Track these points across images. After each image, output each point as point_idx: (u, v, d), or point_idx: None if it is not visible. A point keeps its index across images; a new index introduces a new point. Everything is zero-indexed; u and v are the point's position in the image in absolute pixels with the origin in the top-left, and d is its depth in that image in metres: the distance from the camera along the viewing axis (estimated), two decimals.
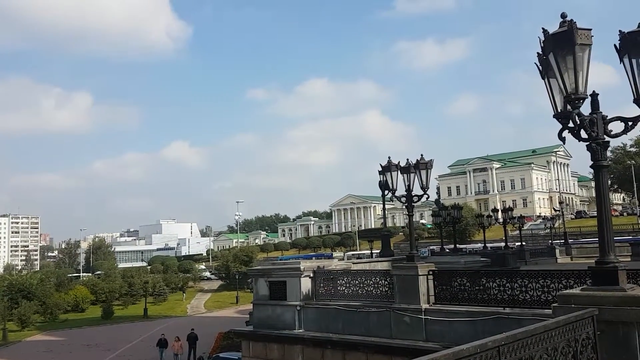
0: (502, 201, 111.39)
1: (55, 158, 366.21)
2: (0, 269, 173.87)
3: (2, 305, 52.73)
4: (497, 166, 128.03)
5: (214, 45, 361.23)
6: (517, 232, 44.31)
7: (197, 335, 35.73)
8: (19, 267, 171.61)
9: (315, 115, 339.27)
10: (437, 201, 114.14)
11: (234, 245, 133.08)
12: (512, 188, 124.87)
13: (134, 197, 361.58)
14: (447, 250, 35.88)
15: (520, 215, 47.48)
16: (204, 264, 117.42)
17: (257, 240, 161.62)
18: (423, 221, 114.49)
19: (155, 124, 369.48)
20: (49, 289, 68.01)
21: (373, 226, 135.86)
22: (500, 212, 39.04)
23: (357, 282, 13.13)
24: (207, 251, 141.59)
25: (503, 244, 38.12)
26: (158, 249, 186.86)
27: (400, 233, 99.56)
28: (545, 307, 9.06)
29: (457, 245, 36.99)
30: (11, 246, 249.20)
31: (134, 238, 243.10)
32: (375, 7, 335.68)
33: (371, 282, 12.86)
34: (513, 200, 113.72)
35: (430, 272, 11.74)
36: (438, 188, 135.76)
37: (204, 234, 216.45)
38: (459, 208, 34.61)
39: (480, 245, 49.93)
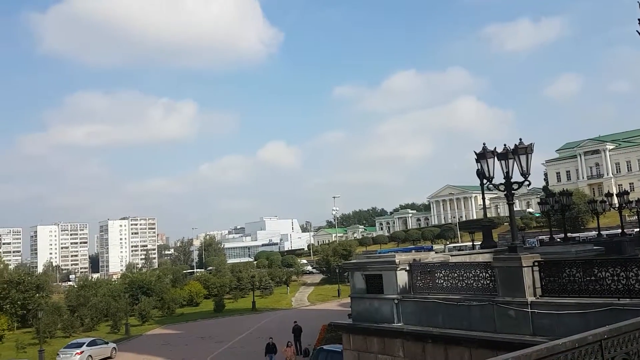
0: (618, 185, 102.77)
1: (164, 164, 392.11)
2: (123, 267, 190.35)
3: (124, 302, 56.92)
4: (611, 147, 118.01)
5: (302, 47, 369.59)
6: (635, 217, 40.63)
7: (301, 328, 36.41)
8: (139, 266, 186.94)
9: (404, 109, 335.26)
10: (545, 188, 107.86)
11: (333, 239, 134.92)
12: (628, 170, 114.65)
13: (237, 197, 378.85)
14: (558, 239, 33.73)
15: (638, 199, 43.45)
16: (305, 258, 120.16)
17: (355, 235, 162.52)
18: (530, 210, 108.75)
19: (252, 126, 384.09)
20: (166, 285, 72.81)
21: (474, 217, 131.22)
22: (615, 197, 36.00)
23: (456, 274, 12.75)
24: (308, 246, 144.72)
25: (619, 231, 35.28)
26: (263, 245, 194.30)
27: (505, 223, 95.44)
28: None
29: (569, 234, 34.62)
30: (132, 246, 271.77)
31: (241, 235, 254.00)
32: None
33: (471, 274, 12.43)
34: (630, 183, 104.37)
35: (536, 263, 11.14)
36: (545, 174, 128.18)
37: (304, 229, 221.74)
38: (569, 194, 32.20)
39: (594, 233, 46.57)
